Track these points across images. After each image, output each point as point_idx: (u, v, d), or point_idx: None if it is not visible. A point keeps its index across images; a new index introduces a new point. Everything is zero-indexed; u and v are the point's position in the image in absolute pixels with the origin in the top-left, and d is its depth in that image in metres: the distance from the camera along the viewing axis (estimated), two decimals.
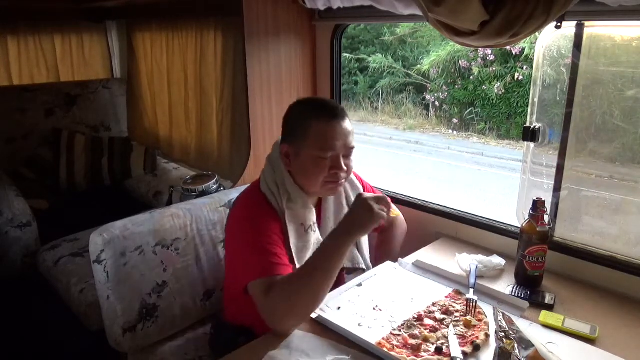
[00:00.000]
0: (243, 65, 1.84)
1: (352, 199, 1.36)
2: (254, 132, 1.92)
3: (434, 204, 1.82)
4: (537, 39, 1.45)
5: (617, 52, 1.35)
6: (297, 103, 1.39)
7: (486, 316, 1.20)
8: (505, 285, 1.40)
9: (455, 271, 1.45)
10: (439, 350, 1.08)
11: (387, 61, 9.23)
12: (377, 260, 1.57)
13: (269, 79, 1.93)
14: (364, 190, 1.56)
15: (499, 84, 7.79)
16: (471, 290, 1.30)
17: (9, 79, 3.16)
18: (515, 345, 1.03)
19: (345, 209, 1.46)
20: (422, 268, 1.47)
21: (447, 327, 1.16)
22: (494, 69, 7.89)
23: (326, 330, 1.17)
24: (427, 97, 9.13)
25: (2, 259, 2.26)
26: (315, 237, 1.38)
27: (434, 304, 1.27)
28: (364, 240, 1.55)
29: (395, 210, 1.64)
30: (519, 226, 1.43)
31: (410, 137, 8.82)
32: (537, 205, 1.35)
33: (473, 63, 8.17)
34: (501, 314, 1.14)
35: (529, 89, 1.55)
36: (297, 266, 1.28)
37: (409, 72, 9.24)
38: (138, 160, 3.09)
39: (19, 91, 3.07)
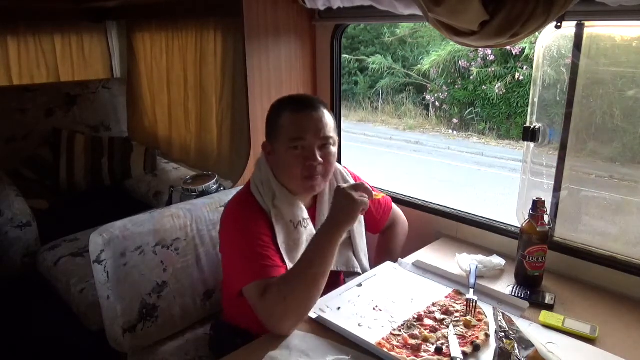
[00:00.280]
0: (243, 66, 1.84)
1: None
2: (254, 132, 1.92)
3: (434, 204, 1.82)
4: (537, 39, 1.45)
5: (617, 52, 1.35)
6: (275, 101, 1.40)
7: (486, 316, 1.20)
8: (505, 285, 1.40)
9: (455, 271, 1.45)
10: (439, 351, 1.08)
11: (387, 62, 9.22)
12: (378, 260, 1.57)
13: (269, 79, 1.93)
14: None
15: (499, 84, 7.79)
16: (471, 291, 1.30)
17: (9, 79, 3.15)
18: (515, 345, 1.03)
19: None
20: (422, 268, 1.47)
21: (447, 327, 1.16)
22: (493, 69, 7.88)
23: (326, 331, 1.17)
24: (427, 97, 9.12)
25: (2, 259, 2.26)
26: (308, 233, 1.36)
27: (434, 304, 1.27)
28: (361, 244, 1.52)
29: (377, 193, 1.53)
30: (519, 226, 1.43)
31: (410, 137, 8.82)
32: (537, 205, 1.35)
33: (473, 63, 8.16)
34: (501, 314, 1.14)
35: (529, 89, 1.55)
36: (289, 264, 1.28)
37: (409, 72, 9.24)
38: (138, 160, 3.09)
39: (19, 91, 3.07)
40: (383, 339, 1.12)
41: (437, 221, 1.78)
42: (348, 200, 1.20)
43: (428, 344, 1.11)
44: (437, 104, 8.98)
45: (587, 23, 1.32)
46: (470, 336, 1.13)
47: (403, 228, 1.68)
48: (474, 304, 1.24)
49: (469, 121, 8.66)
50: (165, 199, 2.23)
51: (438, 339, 1.12)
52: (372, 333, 1.15)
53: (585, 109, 1.40)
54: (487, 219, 1.67)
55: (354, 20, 2.02)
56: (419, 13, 1.31)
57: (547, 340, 1.12)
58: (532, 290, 1.36)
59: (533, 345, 1.03)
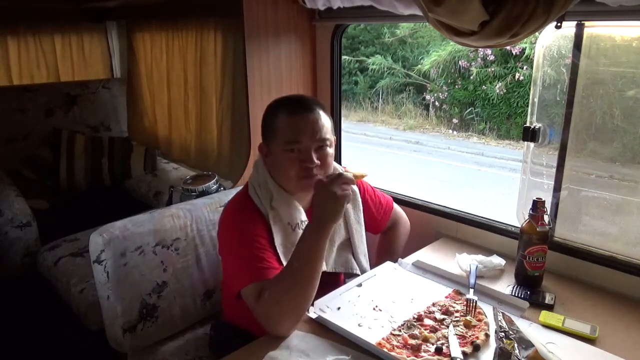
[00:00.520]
0: (243, 66, 1.84)
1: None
2: (254, 132, 1.92)
3: (434, 204, 1.82)
4: (537, 39, 1.45)
5: (617, 52, 1.35)
6: (272, 101, 1.39)
7: (486, 316, 1.20)
8: (505, 285, 1.40)
9: (455, 271, 1.45)
10: (439, 351, 1.08)
11: (387, 62, 9.22)
12: (379, 260, 1.57)
13: (269, 79, 1.93)
14: (360, 190, 1.53)
15: (500, 84, 7.78)
16: (471, 291, 1.30)
17: (9, 79, 3.15)
18: (515, 345, 1.03)
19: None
20: (422, 268, 1.47)
21: (447, 327, 1.16)
22: (493, 69, 7.88)
23: (326, 331, 1.17)
24: (427, 97, 9.12)
25: (2, 259, 2.26)
26: None
27: (434, 304, 1.27)
28: (361, 245, 1.51)
29: (359, 173, 1.43)
30: (519, 226, 1.43)
31: (410, 137, 8.81)
32: (537, 205, 1.35)
33: (473, 63, 8.16)
34: (501, 314, 1.14)
35: (529, 89, 1.55)
36: None
37: (409, 72, 9.24)
38: (138, 160, 3.09)
39: (19, 91, 3.07)
40: (383, 339, 1.12)
41: (437, 221, 1.78)
42: (330, 197, 1.18)
43: (428, 344, 1.11)
44: (437, 104, 8.98)
45: (587, 23, 1.32)
46: (470, 336, 1.13)
47: (405, 228, 1.67)
48: (474, 304, 1.24)
49: (469, 121, 8.65)
50: (165, 199, 2.23)
51: (438, 339, 1.12)
52: (372, 333, 1.15)
53: (585, 109, 1.40)
54: (487, 219, 1.67)
55: (354, 20, 2.02)
56: (419, 13, 1.31)
57: (547, 340, 1.12)
58: (532, 290, 1.36)
59: (533, 345, 1.03)
